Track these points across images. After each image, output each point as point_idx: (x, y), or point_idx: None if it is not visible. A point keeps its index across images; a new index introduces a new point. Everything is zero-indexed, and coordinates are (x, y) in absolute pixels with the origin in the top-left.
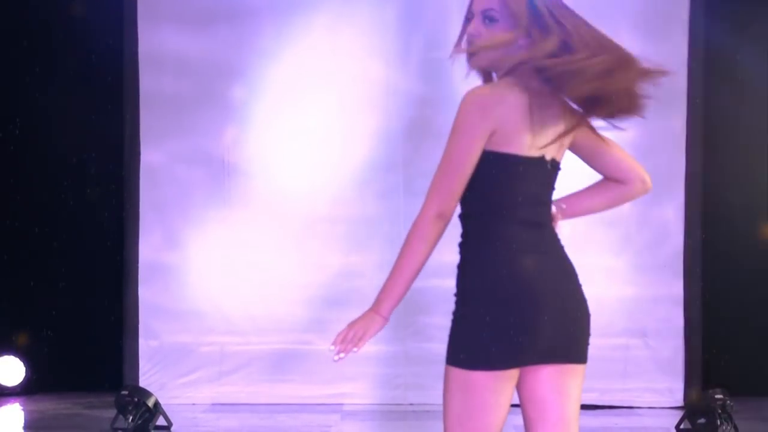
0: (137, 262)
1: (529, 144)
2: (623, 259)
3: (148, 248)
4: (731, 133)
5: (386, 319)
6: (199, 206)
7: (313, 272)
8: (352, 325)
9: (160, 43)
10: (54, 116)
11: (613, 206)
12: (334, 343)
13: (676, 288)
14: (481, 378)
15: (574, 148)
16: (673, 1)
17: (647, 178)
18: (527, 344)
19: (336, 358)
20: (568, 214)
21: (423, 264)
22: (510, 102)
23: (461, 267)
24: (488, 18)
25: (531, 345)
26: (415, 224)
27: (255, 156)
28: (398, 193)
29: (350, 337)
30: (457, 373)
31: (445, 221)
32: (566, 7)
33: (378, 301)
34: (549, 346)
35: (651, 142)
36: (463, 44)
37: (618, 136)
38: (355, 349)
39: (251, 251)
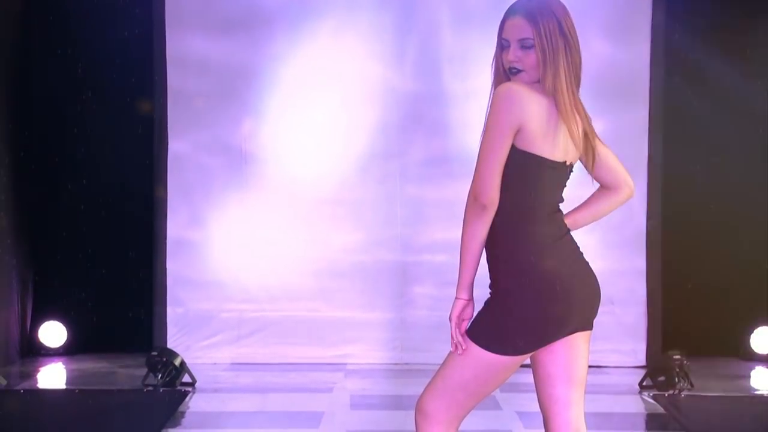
0: (165, 238)
1: (553, 149)
2: (593, 236)
3: (175, 226)
4: (688, 125)
5: (463, 299)
6: (220, 190)
7: (320, 248)
8: (450, 317)
9: (186, 47)
10: (94, 112)
11: (608, 213)
12: (455, 347)
13: (639, 262)
14: (504, 361)
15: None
16: (637, 9)
17: (632, 185)
18: (556, 330)
19: (460, 352)
20: (574, 228)
21: (475, 242)
22: (538, 102)
23: (492, 261)
24: (525, 45)
25: (559, 329)
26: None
27: (269, 145)
28: (395, 179)
29: (453, 333)
30: (482, 353)
31: (484, 203)
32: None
33: (457, 288)
34: (574, 323)
35: (617, 133)
36: (506, 67)
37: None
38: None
39: (266, 229)
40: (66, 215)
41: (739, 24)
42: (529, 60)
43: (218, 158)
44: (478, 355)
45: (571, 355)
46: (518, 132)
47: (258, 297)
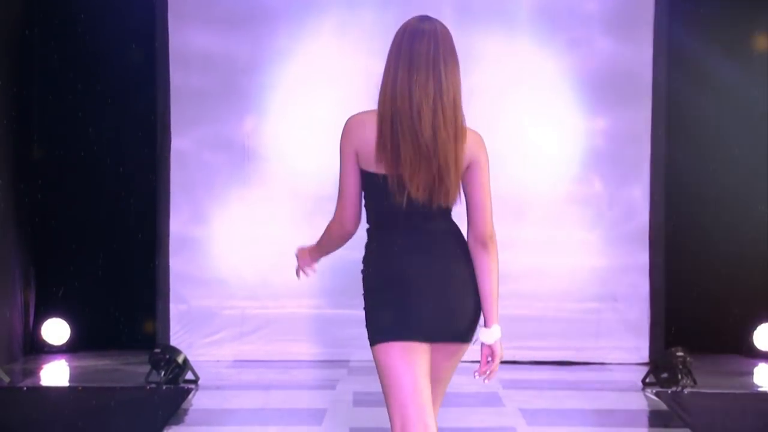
0: (168, 235)
1: (387, 163)
2: (596, 233)
3: (178, 223)
4: (691, 122)
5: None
6: (222, 186)
7: None
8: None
9: (188, 43)
10: (95, 109)
11: (489, 272)
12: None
13: (642, 258)
14: (376, 351)
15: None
16: (640, 6)
17: (487, 239)
18: (399, 327)
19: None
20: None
21: (327, 242)
22: (369, 127)
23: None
24: None
25: (403, 327)
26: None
27: (271, 142)
28: None
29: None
30: (372, 348)
31: (346, 228)
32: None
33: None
34: (424, 330)
35: (620, 130)
36: None
37: (591, 125)
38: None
39: (268, 226)
40: (69, 213)
41: (742, 21)
42: None
43: (221, 155)
44: (372, 352)
45: (437, 361)
46: (357, 155)
47: (260, 294)
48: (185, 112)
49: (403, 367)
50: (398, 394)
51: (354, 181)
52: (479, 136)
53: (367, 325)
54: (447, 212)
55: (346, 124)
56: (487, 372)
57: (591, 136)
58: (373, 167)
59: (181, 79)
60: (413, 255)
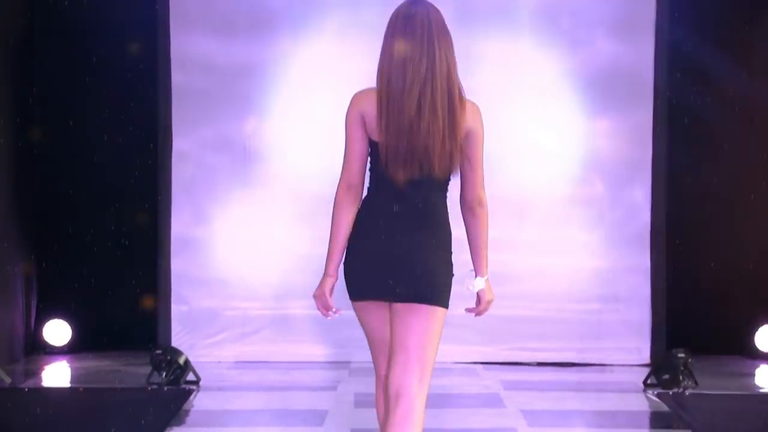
0: (169, 236)
1: (380, 134)
2: (597, 234)
3: (179, 224)
4: (693, 123)
5: (332, 276)
6: (224, 187)
7: (324, 245)
8: (314, 294)
9: (189, 45)
10: (97, 111)
11: (478, 239)
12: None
13: (643, 260)
14: (357, 305)
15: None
16: (641, 7)
17: (476, 204)
18: (363, 285)
19: (330, 319)
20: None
21: (346, 225)
22: (371, 98)
23: None
24: None
25: (366, 286)
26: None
27: (272, 143)
28: None
29: (319, 305)
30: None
31: (353, 189)
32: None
33: (328, 267)
34: (385, 288)
35: (621, 132)
36: None
37: (592, 126)
38: (332, 312)
39: (269, 227)
40: (70, 214)
41: (743, 22)
42: None
43: (222, 156)
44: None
45: (395, 323)
46: (363, 119)
47: (262, 295)
48: (186, 113)
49: (372, 320)
50: (376, 348)
51: (360, 144)
52: (476, 106)
53: (345, 279)
54: (440, 183)
55: (353, 96)
56: (474, 313)
57: (592, 137)
58: (374, 136)
59: (182, 80)
60: (392, 223)
